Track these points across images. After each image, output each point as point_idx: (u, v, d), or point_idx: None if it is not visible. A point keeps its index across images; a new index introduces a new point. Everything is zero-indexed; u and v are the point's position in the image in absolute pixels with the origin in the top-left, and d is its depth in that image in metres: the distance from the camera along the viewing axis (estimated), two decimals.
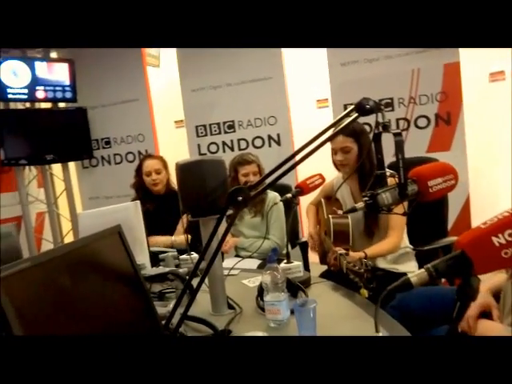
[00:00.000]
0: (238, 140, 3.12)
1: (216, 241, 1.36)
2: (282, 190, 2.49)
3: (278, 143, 3.02)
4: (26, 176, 3.39)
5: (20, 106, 3.30)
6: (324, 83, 3.41)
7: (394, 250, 1.75)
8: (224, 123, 3.14)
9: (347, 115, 1.05)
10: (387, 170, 1.05)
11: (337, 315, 1.25)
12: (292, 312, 1.23)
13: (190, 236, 2.17)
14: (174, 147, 3.95)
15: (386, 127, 1.03)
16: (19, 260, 0.62)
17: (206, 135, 3.21)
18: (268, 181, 1.02)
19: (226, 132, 3.15)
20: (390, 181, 1.06)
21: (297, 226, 2.58)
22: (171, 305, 1.23)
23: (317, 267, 2.19)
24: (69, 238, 3.59)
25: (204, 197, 1.22)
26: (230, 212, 1.03)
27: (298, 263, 1.56)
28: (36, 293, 0.64)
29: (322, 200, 2.02)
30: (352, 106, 1.04)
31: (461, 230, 2.53)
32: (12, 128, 3.09)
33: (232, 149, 3.14)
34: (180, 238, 2.38)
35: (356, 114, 1.04)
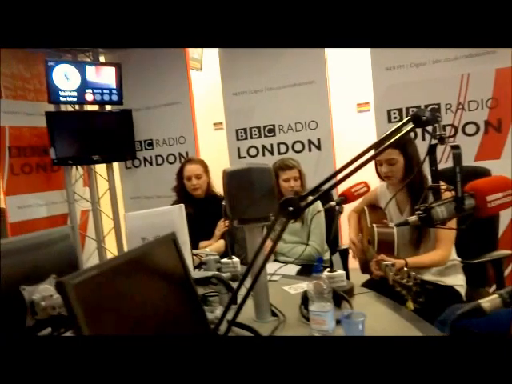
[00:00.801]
0: (278, 144, 3.12)
1: (262, 249, 1.37)
2: (322, 195, 2.47)
3: (319, 148, 3.00)
4: (73, 175, 3.53)
5: (70, 108, 3.44)
6: (365, 86, 3.36)
7: (441, 263, 1.69)
8: (264, 127, 3.15)
9: (401, 126, 1.03)
10: (441, 182, 1.02)
11: (383, 329, 1.22)
12: (337, 322, 1.22)
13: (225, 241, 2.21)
14: (214, 149, 4.01)
15: (442, 139, 1.01)
16: (87, 268, 0.65)
17: (246, 139, 3.23)
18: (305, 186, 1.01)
19: (266, 136, 3.15)
20: (444, 194, 1.03)
21: (337, 233, 2.55)
22: (218, 311, 1.25)
23: (356, 275, 2.16)
24: (111, 236, 3.71)
25: (251, 204, 1.23)
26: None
27: (341, 272, 1.54)
28: (102, 298, 0.67)
29: (365, 208, 1.98)
30: (406, 118, 1.02)
31: (510, 242, 2.42)
32: (62, 129, 3.23)
33: (272, 153, 3.15)
34: (214, 246, 2.41)
35: (411, 126, 1.02)
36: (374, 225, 1.76)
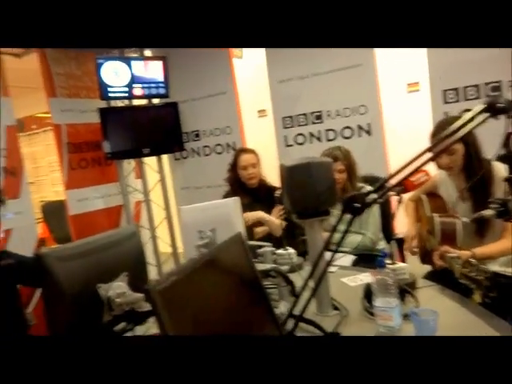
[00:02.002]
0: (326, 131, 3.06)
1: (321, 242, 1.36)
2: (375, 182, 2.40)
3: (369, 133, 2.91)
4: (126, 168, 3.65)
5: (120, 103, 3.54)
6: (415, 66, 3.20)
7: (509, 252, 1.60)
8: (311, 114, 3.10)
9: (474, 116, 0.97)
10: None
11: (452, 326, 1.17)
12: (404, 317, 1.19)
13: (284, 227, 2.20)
14: (259, 138, 4.00)
15: None
16: (168, 274, 0.67)
17: (292, 126, 3.19)
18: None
19: (313, 123, 3.10)
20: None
21: (392, 221, 2.48)
22: (281, 306, 1.26)
23: (415, 265, 2.10)
24: (163, 226, 3.83)
25: (312, 199, 1.22)
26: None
27: (403, 265, 1.50)
28: (183, 301, 0.69)
29: (423, 197, 1.91)
30: (481, 106, 0.96)
31: None
32: (114, 125, 3.34)
33: (320, 140, 3.09)
34: (268, 216, 2.40)
35: (486, 115, 0.96)
36: (435, 215, 1.69)
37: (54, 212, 4.34)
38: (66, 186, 3.31)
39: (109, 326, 1.05)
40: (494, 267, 1.65)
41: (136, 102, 3.58)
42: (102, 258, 1.06)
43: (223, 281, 0.82)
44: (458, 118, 1.12)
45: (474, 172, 1.62)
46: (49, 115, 3.38)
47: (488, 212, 0.97)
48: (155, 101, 3.62)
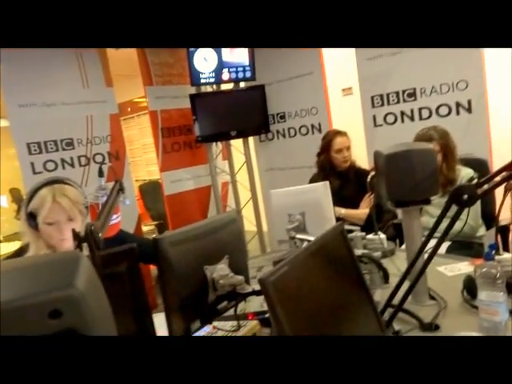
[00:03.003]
0: (420, 109, 2.88)
1: (419, 230, 1.32)
2: (477, 165, 2.23)
3: (469, 110, 2.68)
4: (214, 150, 3.81)
5: (209, 88, 3.68)
6: None
7: None
8: (403, 92, 2.93)
9: None
10: None
11: None
12: (511, 313, 1.13)
13: (371, 213, 2.16)
14: (345, 118, 3.90)
15: None
16: (279, 265, 0.71)
17: (382, 105, 3.06)
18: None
19: (405, 101, 2.93)
20: None
21: (493, 207, 2.30)
22: (377, 294, 1.26)
23: None
24: (248, 206, 3.96)
25: (411, 188, 1.18)
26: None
27: (509, 256, 1.40)
28: (294, 291, 0.72)
29: None
30: None
31: None
32: (203, 109, 3.49)
33: (412, 119, 2.93)
34: (350, 212, 2.38)
35: None
36: None
37: (149, 191, 4.71)
38: (161, 169, 3.57)
39: (213, 304, 1.14)
40: None
41: (224, 87, 3.68)
42: (207, 242, 1.14)
43: (327, 270, 0.85)
44: None
45: None
46: (143, 100, 3.63)
47: None
48: (242, 84, 3.69)
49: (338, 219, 2.32)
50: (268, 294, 0.67)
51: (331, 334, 0.78)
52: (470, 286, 1.26)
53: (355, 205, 2.44)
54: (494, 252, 1.37)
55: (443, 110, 2.78)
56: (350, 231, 1.90)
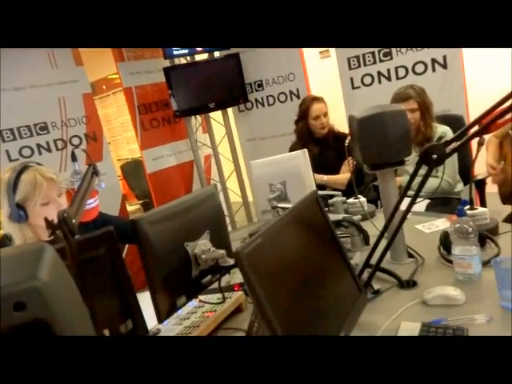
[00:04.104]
0: (396, 68, 2.86)
1: (395, 191, 1.34)
2: (453, 122, 2.25)
3: (444, 66, 2.67)
4: (193, 124, 3.76)
5: (183, 61, 3.59)
6: None
7: None
8: (379, 51, 2.90)
9: None
10: None
11: None
12: (484, 264, 1.17)
13: (351, 178, 2.18)
14: (324, 81, 3.86)
15: None
16: (253, 237, 0.72)
17: (359, 67, 3.03)
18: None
19: (381, 61, 2.91)
20: None
21: (470, 163, 2.34)
22: (356, 257, 1.29)
23: (495, 205, 2.00)
24: (232, 179, 3.96)
25: (384, 151, 1.19)
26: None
27: (483, 210, 1.44)
28: (269, 261, 0.74)
29: (511, 132, 1.77)
30: None
31: None
32: (179, 82, 3.41)
33: (389, 79, 2.91)
34: (332, 178, 2.41)
35: None
36: None
37: (132, 170, 4.66)
38: (141, 147, 3.52)
39: (197, 279, 1.16)
40: None
41: (198, 58, 3.59)
42: (188, 219, 1.15)
43: (303, 238, 0.87)
44: None
45: None
46: (117, 76, 3.52)
47: None
48: (217, 54, 3.60)
49: (319, 186, 2.35)
50: (243, 267, 0.68)
51: (309, 302, 0.80)
52: (445, 242, 1.30)
53: (336, 170, 2.46)
54: (466, 207, 1.41)
55: (419, 68, 2.77)
56: (332, 196, 1.93)
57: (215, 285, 1.22)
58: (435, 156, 0.93)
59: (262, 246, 0.73)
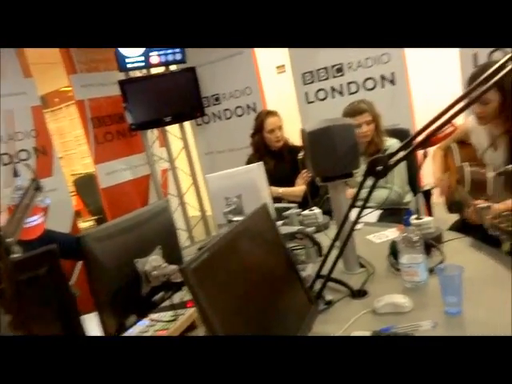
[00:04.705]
0: (348, 84, 2.96)
1: (346, 203, 1.38)
2: (400, 135, 2.35)
3: (393, 83, 2.80)
4: (150, 138, 3.70)
5: (138, 73, 3.54)
6: None
7: None
8: (332, 67, 3.00)
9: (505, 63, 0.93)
10: None
11: (481, 277, 1.19)
12: (430, 271, 1.22)
13: (306, 190, 2.22)
14: (280, 96, 3.93)
15: None
16: (200, 252, 0.71)
17: (313, 82, 3.11)
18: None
19: (334, 76, 3.01)
20: None
21: (418, 174, 2.45)
22: (308, 269, 1.30)
23: (441, 214, 2.09)
24: (190, 192, 3.92)
25: (333, 163, 1.22)
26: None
27: (429, 219, 1.51)
28: (216, 276, 0.73)
29: (454, 145, 1.86)
30: (509, 55, 0.91)
31: None
32: (135, 95, 3.36)
33: (341, 94, 3.01)
34: (288, 190, 2.44)
35: None
36: (464, 164, 1.66)
37: (85, 185, 4.50)
38: (94, 161, 3.41)
39: (148, 297, 1.13)
40: None
41: (154, 71, 3.56)
42: (138, 234, 1.12)
43: (252, 252, 0.86)
44: (493, 63, 1.06)
45: (509, 120, 1.56)
46: (70, 89, 3.42)
47: None
48: (173, 67, 3.59)
49: (275, 199, 2.37)
50: (189, 283, 0.67)
51: (260, 316, 0.80)
52: (394, 251, 1.34)
53: (292, 183, 2.49)
54: (412, 217, 1.47)
55: (369, 84, 2.88)
56: (287, 209, 1.95)
57: (169, 302, 1.19)
58: (380, 168, 0.97)
59: (210, 260, 0.72)
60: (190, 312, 1.24)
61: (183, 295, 1.37)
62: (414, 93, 2.80)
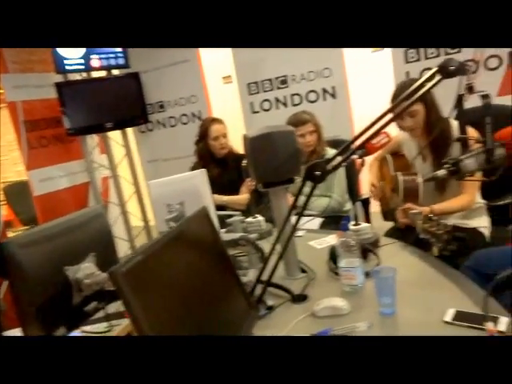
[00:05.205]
0: (292, 95, 3.04)
1: (286, 208, 1.39)
2: (340, 146, 2.44)
3: (334, 96, 2.91)
4: (89, 144, 3.54)
5: (77, 76, 3.38)
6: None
7: (468, 207, 1.69)
8: (276, 79, 3.06)
9: (427, 79, 1.00)
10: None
11: (412, 279, 1.25)
12: (367, 275, 1.26)
13: (250, 198, 2.23)
14: (225, 105, 3.94)
15: (471, 89, 0.97)
16: (132, 255, 0.68)
17: (258, 92, 3.16)
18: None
19: (278, 88, 3.07)
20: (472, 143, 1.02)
21: (357, 183, 2.55)
22: (250, 274, 1.30)
23: (378, 222, 2.18)
24: (132, 201, 3.78)
25: (275, 168, 1.24)
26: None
27: (366, 225, 1.56)
28: (149, 280, 0.70)
29: (388, 156, 1.96)
30: (434, 69, 0.98)
31: None
32: (73, 99, 3.20)
33: (285, 105, 3.08)
34: (232, 198, 2.44)
35: (438, 77, 0.98)
36: (398, 173, 1.75)
37: (17, 193, 4.21)
38: (27, 167, 3.20)
39: (79, 307, 1.06)
40: (452, 220, 1.73)
41: (95, 75, 3.43)
42: (69, 241, 1.05)
43: (190, 256, 0.84)
44: (416, 80, 1.14)
45: (433, 129, 1.67)
46: (1, 90, 3.20)
47: (441, 172, 1.01)
48: (115, 72, 3.47)
49: (220, 207, 2.35)
50: (120, 287, 0.63)
51: (198, 321, 0.77)
52: (333, 256, 1.38)
53: (237, 191, 2.49)
54: (350, 223, 1.52)
55: (312, 96, 2.97)
56: (231, 216, 1.94)
57: (103, 312, 1.13)
58: (318, 173, 0.99)
59: (144, 264, 0.69)
60: (127, 322, 1.18)
61: (119, 305, 1.31)
62: (353, 106, 2.93)
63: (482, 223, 1.77)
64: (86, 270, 1.05)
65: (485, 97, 0.93)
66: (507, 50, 2.42)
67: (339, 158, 1.07)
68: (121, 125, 3.49)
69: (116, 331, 1.14)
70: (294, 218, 1.17)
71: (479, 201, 1.77)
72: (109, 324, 1.15)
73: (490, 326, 0.70)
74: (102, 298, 1.11)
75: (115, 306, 1.28)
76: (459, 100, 1.01)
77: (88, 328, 1.16)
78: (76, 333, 1.15)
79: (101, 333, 1.13)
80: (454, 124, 1.67)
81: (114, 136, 3.68)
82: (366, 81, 3.34)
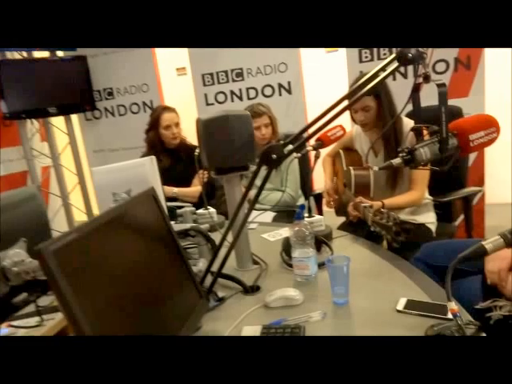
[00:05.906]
0: (247, 89, 3.00)
1: (240, 196, 1.34)
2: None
3: (289, 91, 2.91)
4: (29, 130, 3.29)
5: (17, 55, 3.13)
6: None
7: (416, 203, 1.74)
8: (232, 71, 3.00)
9: (384, 66, 0.99)
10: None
11: (365, 270, 1.25)
12: (319, 266, 1.24)
13: (202, 190, 2.16)
14: (178, 96, 3.82)
15: (427, 78, 0.97)
16: (66, 232, 0.60)
17: (213, 84, 3.08)
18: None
19: (234, 80, 3.02)
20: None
21: (310, 178, 2.55)
22: (200, 263, 1.23)
23: (331, 218, 2.19)
24: (76, 192, 3.57)
25: (229, 154, 1.18)
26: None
27: (320, 217, 1.55)
28: (84, 261, 0.62)
29: (341, 151, 1.97)
30: (391, 56, 0.97)
31: (475, 180, 2.51)
32: (11, 80, 2.95)
33: (241, 98, 3.03)
34: (183, 190, 2.36)
35: (396, 64, 0.97)
36: (351, 168, 1.76)
37: None
38: None
39: (6, 299, 0.94)
40: (402, 216, 1.77)
41: (37, 55, 3.18)
42: None
43: (134, 239, 0.76)
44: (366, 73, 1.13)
45: (385, 124, 1.70)
46: None
47: (396, 161, 1.00)
48: (60, 54, 3.25)
49: (170, 199, 2.26)
50: (48, 267, 0.55)
51: (140, 307, 0.70)
52: (286, 248, 1.35)
53: (188, 183, 2.41)
54: (304, 215, 1.50)
55: (268, 91, 2.95)
56: (181, 207, 1.86)
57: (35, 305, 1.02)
58: (275, 156, 0.95)
59: (77, 243, 0.61)
60: (60, 317, 1.07)
61: (54, 299, 1.19)
62: (308, 101, 2.94)
63: (429, 219, 1.82)
64: (15, 257, 0.94)
65: (441, 86, 0.93)
66: (454, 54, 2.54)
67: (291, 147, 1.03)
68: (65, 111, 3.28)
69: (48, 326, 1.03)
70: (246, 209, 1.13)
71: (427, 197, 1.83)
72: (41, 318, 1.03)
73: (452, 305, 0.69)
74: (34, 290, 1.00)
75: (49, 299, 1.16)
76: (415, 89, 1.01)
77: (16, 323, 1.04)
78: (3, 328, 1.03)
79: (30, 327, 1.02)
80: (406, 120, 1.70)
81: (57, 122, 3.45)
82: (321, 79, 3.38)
